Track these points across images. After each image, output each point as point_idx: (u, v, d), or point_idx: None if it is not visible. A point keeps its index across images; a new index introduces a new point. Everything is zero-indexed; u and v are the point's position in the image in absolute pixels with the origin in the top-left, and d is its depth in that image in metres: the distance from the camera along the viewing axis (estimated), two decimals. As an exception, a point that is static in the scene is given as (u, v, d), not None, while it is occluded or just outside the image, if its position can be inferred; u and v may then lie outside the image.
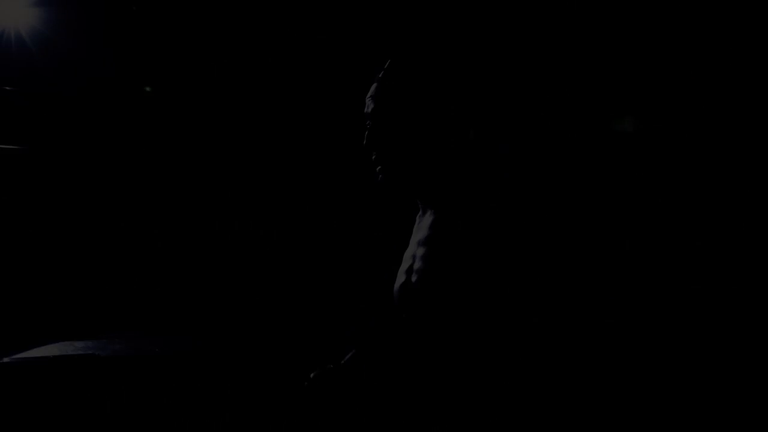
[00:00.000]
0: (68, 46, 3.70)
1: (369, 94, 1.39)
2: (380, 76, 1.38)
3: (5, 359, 2.73)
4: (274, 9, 3.83)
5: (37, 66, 3.67)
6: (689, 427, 2.74)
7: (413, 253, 1.37)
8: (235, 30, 3.88)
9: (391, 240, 1.52)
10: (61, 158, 3.72)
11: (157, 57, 3.85)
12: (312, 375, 1.47)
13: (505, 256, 1.23)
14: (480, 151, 1.36)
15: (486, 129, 1.39)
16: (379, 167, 1.38)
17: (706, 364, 2.90)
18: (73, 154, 3.75)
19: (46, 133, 3.71)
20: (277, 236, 3.90)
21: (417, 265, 1.32)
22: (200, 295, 3.78)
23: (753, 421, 2.73)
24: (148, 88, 3.84)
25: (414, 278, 1.32)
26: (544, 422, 1.22)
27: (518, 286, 1.23)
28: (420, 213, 1.43)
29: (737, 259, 3.13)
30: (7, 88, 3.68)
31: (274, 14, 3.83)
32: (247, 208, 3.94)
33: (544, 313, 1.23)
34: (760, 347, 2.90)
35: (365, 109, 1.40)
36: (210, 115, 3.92)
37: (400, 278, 1.39)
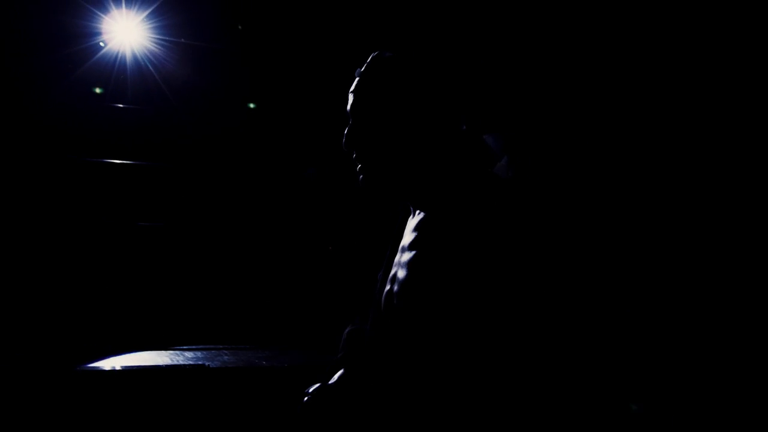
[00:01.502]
0: (177, 65, 3.83)
1: (350, 90, 1.28)
2: (362, 70, 1.27)
3: (117, 367, 2.77)
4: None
5: (148, 85, 3.81)
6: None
7: (398, 259, 1.24)
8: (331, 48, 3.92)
9: (385, 242, 1.38)
10: (169, 173, 3.82)
11: (262, 75, 3.93)
12: (307, 392, 1.34)
13: (502, 264, 1.07)
14: (471, 146, 1.23)
15: (477, 122, 1.27)
16: (360, 166, 1.25)
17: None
18: (184, 168, 3.85)
19: (154, 149, 3.82)
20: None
21: (400, 273, 1.20)
22: (306, 309, 3.77)
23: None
24: (252, 105, 3.91)
25: (395, 288, 1.20)
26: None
27: (514, 299, 1.07)
28: (411, 214, 1.30)
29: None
30: (120, 105, 3.82)
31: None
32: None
33: (544, 326, 1.08)
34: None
35: (347, 106, 1.28)
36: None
37: (385, 285, 1.26)
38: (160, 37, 3.75)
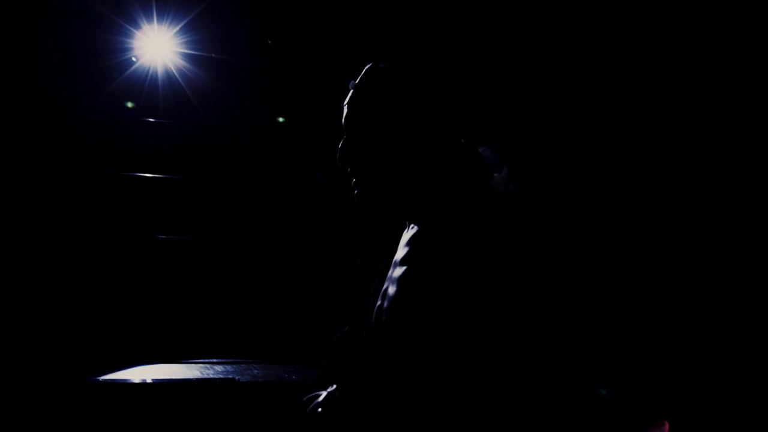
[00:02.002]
0: (208, 79, 3.86)
1: (345, 102, 1.24)
2: (356, 82, 1.23)
3: (147, 380, 2.78)
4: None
5: (179, 99, 3.85)
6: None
7: (390, 273, 1.20)
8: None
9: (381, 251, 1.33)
10: (199, 186, 3.85)
11: (289, 88, 3.95)
12: (316, 403, 1.29)
13: (492, 285, 1.02)
14: (468, 159, 1.19)
15: (476, 134, 1.22)
16: (354, 181, 1.21)
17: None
18: (213, 181, 3.87)
19: (187, 162, 3.85)
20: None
21: (390, 289, 1.15)
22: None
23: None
24: (281, 119, 3.93)
25: (385, 305, 1.15)
26: None
27: (502, 323, 1.02)
28: (405, 227, 1.26)
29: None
30: (151, 119, 3.86)
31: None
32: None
33: (533, 350, 1.03)
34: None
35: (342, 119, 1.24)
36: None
37: (377, 300, 1.22)
38: (191, 51, 3.79)
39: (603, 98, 3.49)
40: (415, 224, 1.22)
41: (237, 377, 2.82)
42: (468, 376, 1.04)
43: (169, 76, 3.80)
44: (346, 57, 3.85)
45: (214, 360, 3.18)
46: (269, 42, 3.87)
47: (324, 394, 1.27)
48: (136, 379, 2.75)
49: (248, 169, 3.91)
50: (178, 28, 3.75)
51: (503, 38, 3.71)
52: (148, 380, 2.75)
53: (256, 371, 2.97)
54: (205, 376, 2.83)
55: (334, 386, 1.29)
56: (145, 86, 3.82)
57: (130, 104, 3.81)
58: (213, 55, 3.84)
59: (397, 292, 1.14)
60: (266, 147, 3.93)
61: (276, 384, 2.83)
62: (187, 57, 3.80)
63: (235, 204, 3.88)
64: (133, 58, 3.77)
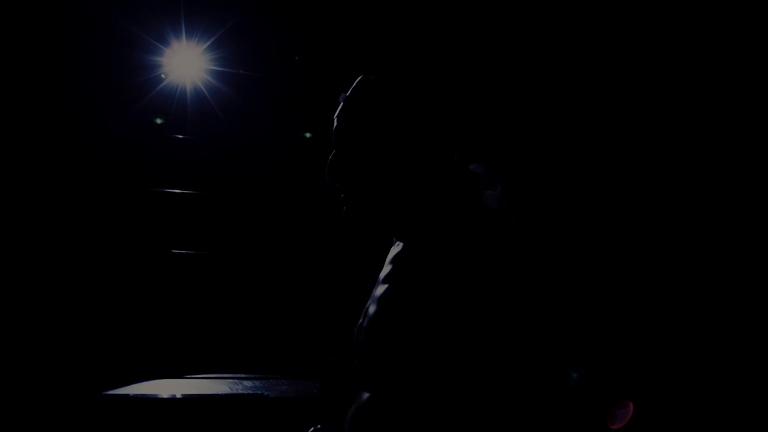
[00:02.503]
0: (236, 97, 3.89)
1: (335, 115, 1.20)
2: (348, 94, 1.19)
3: (177, 395, 2.77)
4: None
5: (207, 115, 3.88)
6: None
7: (374, 291, 1.16)
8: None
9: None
10: (230, 202, 3.87)
11: (316, 103, 3.96)
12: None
13: (471, 310, 0.97)
14: (459, 175, 1.14)
15: (470, 149, 1.18)
16: (343, 196, 1.17)
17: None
18: (243, 197, 3.89)
19: (215, 177, 3.88)
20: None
21: (371, 308, 1.11)
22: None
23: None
24: (308, 134, 3.94)
25: (365, 324, 1.11)
26: None
27: (478, 354, 0.97)
28: (393, 244, 1.22)
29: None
30: (179, 136, 3.90)
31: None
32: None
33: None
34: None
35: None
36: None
37: (361, 318, 1.18)
38: (219, 68, 3.82)
39: (610, 99, 3.48)
40: (400, 241, 1.19)
41: (266, 393, 2.81)
42: (441, 398, 1.00)
43: (197, 93, 3.84)
44: (372, 69, 3.86)
45: (243, 375, 3.17)
46: (296, 58, 3.90)
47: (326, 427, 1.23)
48: (165, 394, 2.75)
49: (276, 184, 3.92)
50: (206, 45, 3.79)
51: (507, 39, 3.69)
52: (178, 395, 2.75)
53: (284, 387, 2.95)
54: (235, 391, 2.82)
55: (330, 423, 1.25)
56: (174, 102, 3.86)
57: (159, 120, 3.85)
58: (241, 71, 3.87)
59: (375, 312, 1.10)
60: (293, 162, 3.94)
61: (304, 400, 2.82)
62: (215, 74, 3.83)
63: (263, 219, 3.89)
64: (162, 75, 3.82)
